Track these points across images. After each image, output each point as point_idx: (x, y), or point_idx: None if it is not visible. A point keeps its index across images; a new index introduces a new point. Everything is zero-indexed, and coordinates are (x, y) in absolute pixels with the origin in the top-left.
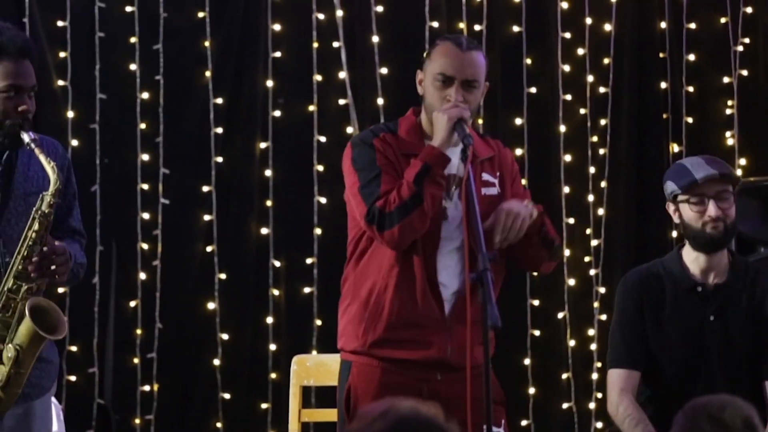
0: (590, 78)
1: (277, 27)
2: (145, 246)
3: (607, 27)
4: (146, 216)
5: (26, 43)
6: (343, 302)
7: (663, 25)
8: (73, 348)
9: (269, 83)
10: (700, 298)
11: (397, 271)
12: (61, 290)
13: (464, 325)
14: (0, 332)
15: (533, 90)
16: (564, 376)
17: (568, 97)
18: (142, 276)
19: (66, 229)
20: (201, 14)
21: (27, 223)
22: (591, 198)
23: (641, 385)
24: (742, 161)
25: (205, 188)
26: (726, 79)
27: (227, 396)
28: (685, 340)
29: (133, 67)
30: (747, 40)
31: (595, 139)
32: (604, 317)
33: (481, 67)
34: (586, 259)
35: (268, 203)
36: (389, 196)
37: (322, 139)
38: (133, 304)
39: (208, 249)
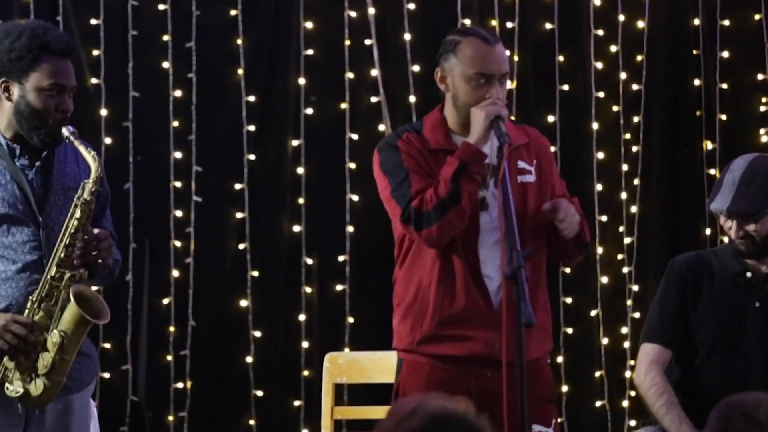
0: (623, 75)
1: (309, 24)
2: (178, 243)
3: (640, 24)
4: (179, 213)
5: (70, 44)
6: (395, 303)
7: (696, 21)
8: (107, 345)
9: (301, 81)
10: (748, 284)
11: (438, 267)
12: (94, 288)
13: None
14: (44, 321)
15: (565, 87)
16: (597, 374)
17: (601, 94)
18: (175, 273)
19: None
20: (233, 12)
21: (65, 217)
22: (624, 195)
23: (675, 368)
24: None
25: (238, 186)
26: (760, 76)
27: (260, 393)
28: (727, 323)
29: (165, 65)
30: None
31: (628, 136)
32: (637, 315)
33: (507, 58)
34: (619, 256)
35: (300, 201)
36: (424, 195)
37: (354, 136)
38: (166, 301)
39: (241, 246)
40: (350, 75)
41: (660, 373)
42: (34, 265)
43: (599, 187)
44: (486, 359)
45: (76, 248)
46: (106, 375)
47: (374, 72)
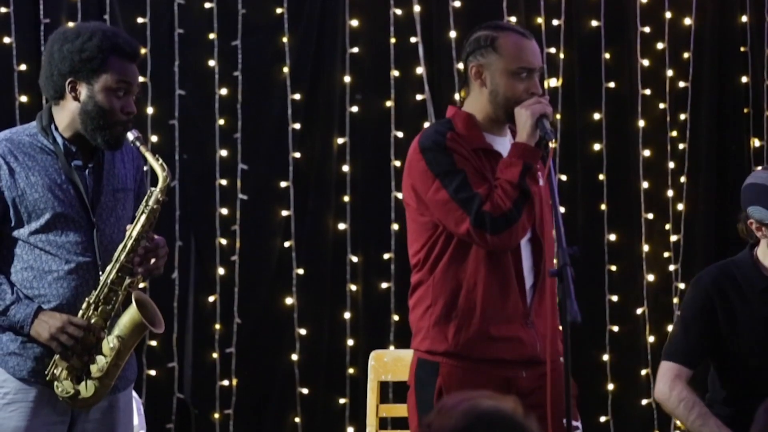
0: (670, 72)
1: (354, 23)
2: (223, 241)
3: (687, 21)
4: (225, 211)
5: (137, 48)
6: (420, 305)
7: (744, 18)
8: (153, 343)
9: (347, 79)
10: None
11: (485, 268)
12: (140, 286)
13: (542, 320)
14: (99, 323)
15: (612, 85)
16: (643, 372)
17: (647, 91)
18: (221, 271)
19: None
20: (279, 10)
21: (115, 218)
22: (670, 193)
23: (718, 386)
24: None
25: (283, 184)
26: None
27: (305, 391)
28: (761, 338)
29: (211, 63)
30: None
31: (674, 134)
32: None
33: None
34: (666, 254)
35: (346, 199)
36: (494, 199)
37: (400, 134)
38: (211, 299)
39: (286, 244)
40: (395, 73)
41: (686, 387)
42: (86, 266)
43: (645, 184)
44: (528, 360)
45: (137, 255)
46: (153, 372)
47: (419, 69)
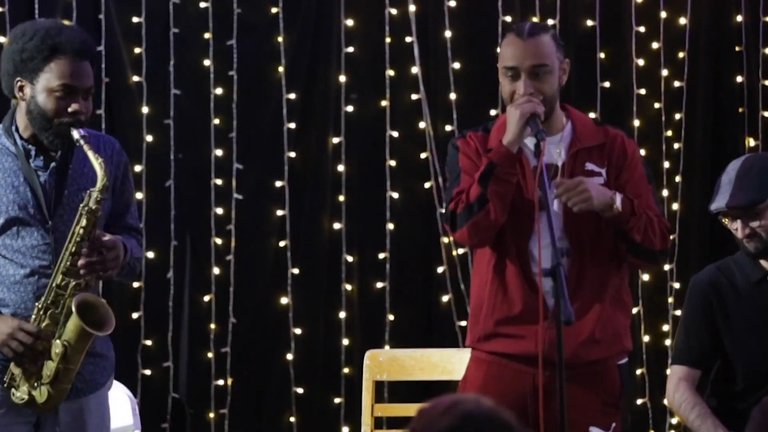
0: (665, 72)
1: (350, 22)
2: (218, 241)
3: (682, 20)
4: (220, 211)
5: (85, 44)
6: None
7: (739, 18)
8: (148, 342)
9: (342, 78)
10: None
11: (492, 267)
12: (135, 285)
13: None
14: (50, 328)
15: (607, 84)
16: (638, 371)
17: (643, 91)
18: (216, 271)
19: (123, 226)
20: (274, 10)
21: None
22: (665, 193)
23: (714, 377)
24: None
25: (278, 183)
26: None
27: (300, 390)
28: (757, 332)
29: (207, 62)
30: None
31: (669, 133)
32: (678, 312)
33: (546, 48)
34: None
35: (341, 198)
36: (461, 197)
37: (395, 134)
38: (207, 298)
39: (281, 244)
40: (391, 72)
41: (689, 389)
42: (43, 270)
43: None
44: (537, 358)
45: (82, 257)
46: (148, 372)
47: (415, 69)
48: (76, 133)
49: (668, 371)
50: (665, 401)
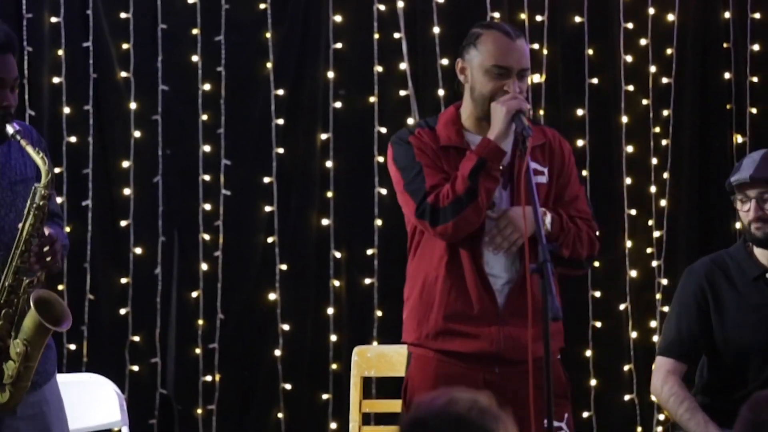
0: (653, 69)
1: (338, 18)
2: (206, 237)
3: (670, 17)
4: (208, 207)
5: (7, 37)
6: (405, 296)
7: (727, 15)
8: (136, 338)
9: (330, 74)
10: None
11: (445, 263)
12: (123, 281)
13: (520, 318)
14: (4, 329)
15: (595, 81)
16: (626, 367)
17: (630, 88)
18: (204, 267)
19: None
20: (262, 6)
21: (15, 213)
22: (653, 189)
23: (705, 375)
24: None
25: (266, 179)
26: None
27: (288, 387)
28: (751, 327)
29: (195, 58)
30: None
31: (657, 130)
32: (666, 309)
33: (528, 54)
34: (648, 250)
35: (329, 194)
36: (440, 191)
37: (383, 130)
38: (194, 294)
39: (269, 240)
40: (379, 69)
41: (677, 382)
42: None
43: (628, 180)
44: (492, 357)
45: (32, 254)
46: (135, 368)
47: (403, 66)
48: (10, 128)
49: (654, 363)
50: (651, 392)
